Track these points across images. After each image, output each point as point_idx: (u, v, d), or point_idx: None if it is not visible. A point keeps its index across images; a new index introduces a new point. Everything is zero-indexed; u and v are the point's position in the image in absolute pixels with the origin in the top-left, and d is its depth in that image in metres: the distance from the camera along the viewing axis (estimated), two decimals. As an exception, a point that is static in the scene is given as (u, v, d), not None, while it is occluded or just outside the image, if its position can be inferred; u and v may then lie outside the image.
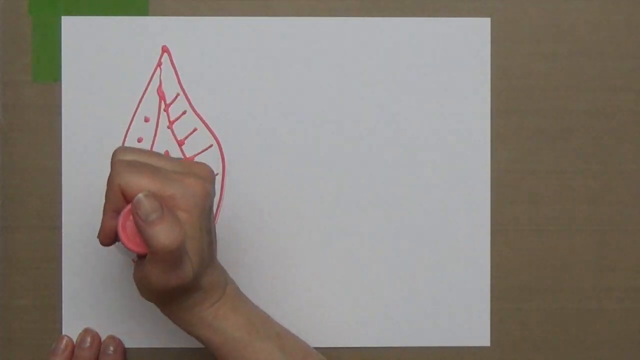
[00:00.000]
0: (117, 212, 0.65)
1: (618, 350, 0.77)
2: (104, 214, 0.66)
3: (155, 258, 0.63)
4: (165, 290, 0.65)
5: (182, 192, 0.64)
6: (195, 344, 0.76)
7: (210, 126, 0.76)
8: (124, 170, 0.64)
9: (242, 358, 0.67)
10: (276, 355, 0.68)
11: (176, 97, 0.76)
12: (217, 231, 0.77)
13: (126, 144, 0.76)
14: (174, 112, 0.76)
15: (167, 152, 0.76)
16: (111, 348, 0.76)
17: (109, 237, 0.66)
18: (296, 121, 0.76)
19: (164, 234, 0.63)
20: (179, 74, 0.76)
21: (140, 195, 0.63)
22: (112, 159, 0.66)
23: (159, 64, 0.76)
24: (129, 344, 0.77)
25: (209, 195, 0.66)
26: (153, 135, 0.76)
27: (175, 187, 0.64)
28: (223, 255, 0.76)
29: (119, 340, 0.76)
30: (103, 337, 0.76)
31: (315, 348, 0.76)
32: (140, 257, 0.66)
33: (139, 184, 0.64)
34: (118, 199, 0.64)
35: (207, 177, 0.66)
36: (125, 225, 0.65)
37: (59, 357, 0.75)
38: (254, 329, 0.68)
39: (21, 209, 0.76)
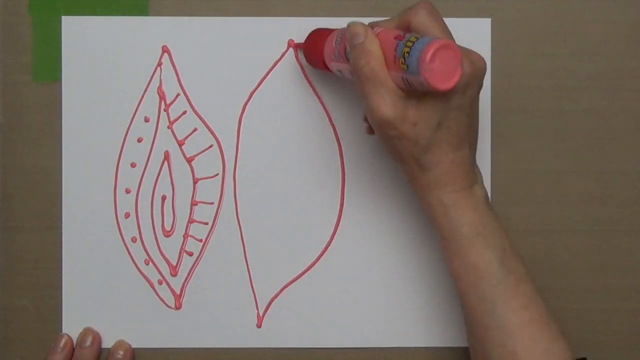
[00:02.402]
0: (391, 33, 0.66)
1: (618, 350, 0.77)
2: (383, 23, 0.69)
3: (355, 78, 0.66)
4: (373, 120, 0.65)
5: (464, 50, 0.65)
6: (195, 344, 0.76)
7: (210, 126, 0.76)
8: (424, 11, 0.67)
9: (463, 255, 0.67)
10: (494, 265, 0.66)
11: (176, 97, 0.76)
12: (216, 231, 0.77)
13: (126, 144, 0.76)
14: (174, 112, 0.76)
15: (167, 152, 0.76)
16: (120, 352, 0.76)
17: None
18: (295, 121, 0.77)
19: (355, 58, 0.66)
20: (179, 74, 0.76)
21: (354, 22, 0.67)
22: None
23: (159, 64, 0.76)
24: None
25: (485, 71, 0.67)
26: (153, 135, 0.76)
27: (460, 47, 0.65)
28: (224, 253, 0.77)
29: (129, 345, 0.76)
30: (103, 337, 0.76)
31: (316, 348, 0.77)
32: None
33: (427, 22, 0.66)
34: (402, 22, 0.67)
35: (484, 60, 0.67)
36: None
37: (58, 356, 0.75)
38: (483, 232, 0.67)
39: (21, 209, 0.76)
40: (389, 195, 0.76)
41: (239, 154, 0.76)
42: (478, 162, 0.76)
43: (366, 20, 0.76)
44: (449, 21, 0.75)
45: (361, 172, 0.77)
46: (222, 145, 0.77)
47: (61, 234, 0.76)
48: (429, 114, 0.65)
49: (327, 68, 0.72)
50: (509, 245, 0.68)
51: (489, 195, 0.76)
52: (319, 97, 0.77)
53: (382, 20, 0.69)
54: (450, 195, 0.67)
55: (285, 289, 0.77)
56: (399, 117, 0.64)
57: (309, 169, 0.77)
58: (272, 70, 0.76)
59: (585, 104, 0.77)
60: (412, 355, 0.77)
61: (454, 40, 0.66)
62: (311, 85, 0.76)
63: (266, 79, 0.76)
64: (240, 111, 0.76)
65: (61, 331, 0.76)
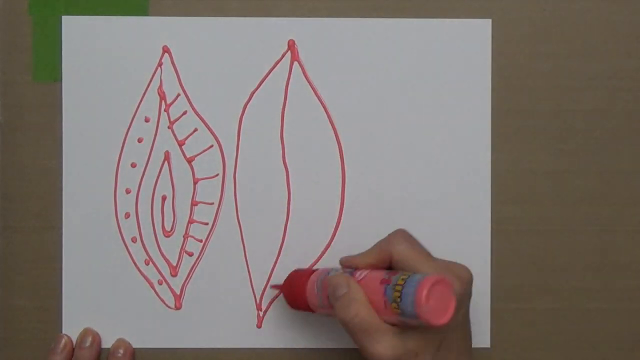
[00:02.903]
0: (371, 267, 0.68)
1: (618, 350, 0.77)
2: (361, 259, 0.69)
3: (346, 329, 0.67)
4: None
5: (449, 271, 0.66)
6: (195, 344, 0.76)
7: (211, 126, 0.76)
8: (403, 240, 0.68)
9: None
10: None
11: (177, 97, 0.76)
12: (216, 231, 0.77)
13: (126, 144, 0.76)
14: (175, 112, 0.76)
15: (167, 152, 0.76)
16: (120, 351, 0.76)
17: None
18: (296, 121, 0.77)
19: (341, 310, 0.66)
20: (179, 74, 0.76)
21: (334, 272, 0.69)
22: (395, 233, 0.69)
23: (160, 64, 0.76)
24: (129, 344, 0.77)
25: (472, 281, 0.68)
26: (153, 135, 0.76)
27: (442, 265, 0.67)
28: (224, 253, 0.77)
29: (129, 343, 0.76)
30: (103, 337, 0.76)
31: (316, 348, 0.77)
32: None
33: (409, 254, 0.67)
34: (383, 259, 0.68)
35: (469, 271, 0.68)
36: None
37: (57, 356, 0.75)
38: None
39: (21, 209, 0.76)
40: (388, 195, 0.76)
41: (239, 154, 0.76)
42: (478, 162, 0.76)
43: (367, 21, 0.76)
44: (449, 22, 0.75)
45: (361, 172, 0.77)
46: (223, 146, 0.77)
47: (61, 234, 0.76)
48: (430, 341, 0.65)
49: (311, 310, 0.72)
50: None
51: (489, 195, 0.76)
52: (319, 97, 0.77)
53: (358, 255, 0.70)
54: None
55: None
56: (399, 354, 0.65)
57: (309, 169, 0.77)
58: (272, 70, 0.76)
59: (585, 104, 0.77)
60: (412, 355, 0.77)
61: (438, 263, 0.67)
62: (311, 85, 0.76)
63: (266, 79, 0.76)
64: (241, 111, 0.76)
65: (61, 331, 0.76)
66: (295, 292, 0.73)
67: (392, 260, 0.68)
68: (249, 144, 0.77)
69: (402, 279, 0.64)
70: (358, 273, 0.68)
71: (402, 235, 0.69)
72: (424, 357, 0.66)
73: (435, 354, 0.66)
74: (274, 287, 0.76)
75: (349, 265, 0.70)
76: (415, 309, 0.62)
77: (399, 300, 0.63)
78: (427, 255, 0.68)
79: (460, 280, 0.66)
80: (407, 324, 0.64)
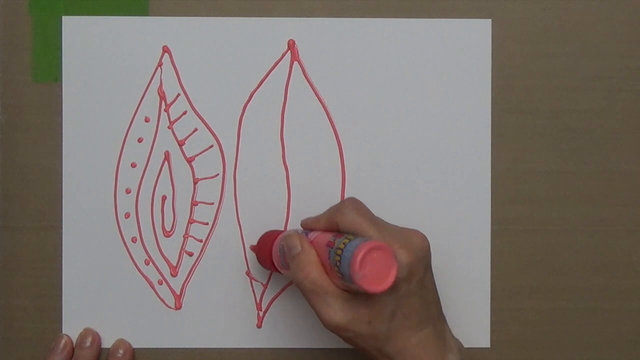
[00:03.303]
0: (318, 230, 0.68)
1: (618, 350, 0.77)
2: (313, 222, 0.69)
3: (299, 290, 0.67)
4: (328, 328, 0.65)
5: (398, 238, 0.66)
6: (195, 344, 0.76)
7: (211, 126, 0.76)
8: (351, 208, 0.67)
9: None
10: None
11: (177, 97, 0.76)
12: (216, 231, 0.77)
13: (126, 144, 0.76)
14: (175, 112, 0.76)
15: (167, 152, 0.76)
16: (120, 351, 0.76)
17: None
18: (295, 121, 0.77)
19: (294, 271, 0.66)
20: (179, 74, 0.76)
21: (291, 231, 0.69)
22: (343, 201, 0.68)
23: (160, 64, 0.76)
24: (129, 344, 0.77)
25: (428, 248, 0.67)
26: (153, 135, 0.76)
27: (392, 232, 0.66)
28: (224, 253, 0.77)
29: (129, 343, 0.76)
30: (103, 337, 0.76)
31: (316, 348, 0.77)
32: None
33: (355, 221, 0.66)
34: (330, 224, 0.68)
35: (424, 239, 0.67)
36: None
37: (57, 356, 0.75)
38: None
39: (21, 209, 0.76)
40: (388, 195, 0.76)
41: (239, 154, 0.76)
42: (478, 162, 0.76)
43: (367, 21, 0.76)
44: (449, 22, 0.75)
45: (361, 172, 0.77)
46: (223, 146, 0.77)
47: (61, 234, 0.76)
48: (381, 308, 0.65)
49: (278, 271, 0.73)
50: None
51: (489, 195, 0.76)
52: (319, 97, 0.77)
53: (313, 217, 0.70)
54: None
55: (286, 289, 0.77)
56: (350, 320, 0.64)
57: (309, 169, 0.77)
58: (272, 71, 0.76)
59: (585, 104, 0.77)
60: (412, 355, 0.77)
61: (389, 230, 0.66)
62: (311, 85, 0.76)
63: (266, 79, 0.76)
64: (241, 111, 0.76)
65: (61, 331, 0.76)
66: (264, 251, 0.73)
67: (339, 228, 0.67)
68: (249, 144, 0.77)
69: (344, 243, 0.63)
70: (311, 234, 0.68)
71: (350, 203, 0.67)
72: (378, 325, 0.65)
73: (390, 321, 0.65)
74: (251, 247, 0.76)
75: (306, 227, 0.70)
76: (351, 274, 0.61)
77: (339, 264, 0.63)
78: (376, 222, 0.66)
79: (409, 248, 0.65)
80: (352, 289, 0.64)
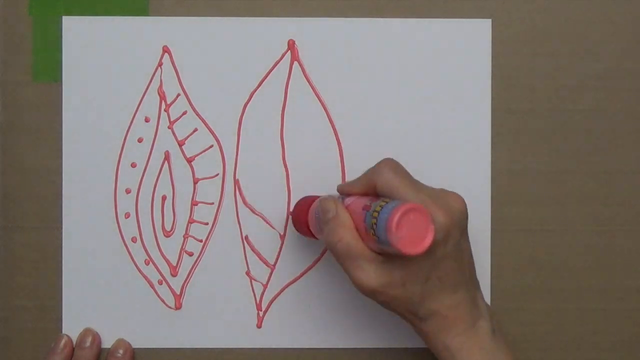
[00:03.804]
0: (355, 194, 0.68)
1: (618, 350, 0.77)
2: (350, 186, 0.69)
3: (333, 254, 0.66)
4: (359, 291, 0.65)
5: (436, 199, 0.65)
6: (195, 344, 0.76)
7: (211, 126, 0.76)
8: (388, 169, 0.66)
9: None
10: None
11: (177, 97, 0.76)
12: (216, 231, 0.77)
13: (126, 144, 0.76)
14: (175, 112, 0.76)
15: (167, 152, 0.76)
16: (120, 351, 0.76)
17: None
18: (295, 121, 0.77)
19: (328, 234, 0.66)
20: (179, 74, 0.76)
21: (327, 195, 0.69)
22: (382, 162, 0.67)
23: (160, 64, 0.76)
24: (129, 344, 0.77)
25: (466, 210, 0.66)
26: (153, 135, 0.76)
27: (430, 194, 0.65)
28: (224, 253, 0.76)
29: (129, 343, 0.76)
30: (103, 337, 0.76)
31: (316, 348, 0.77)
32: None
33: (393, 182, 0.65)
34: (370, 188, 0.67)
35: (462, 201, 0.66)
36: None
37: (57, 356, 0.75)
38: None
39: (21, 209, 0.76)
40: (389, 195, 0.76)
41: (239, 154, 0.76)
42: (478, 162, 0.76)
43: (367, 21, 0.76)
44: (450, 22, 0.75)
45: (361, 172, 0.77)
46: (223, 146, 0.77)
47: (61, 234, 0.76)
48: (415, 271, 0.64)
49: (316, 237, 0.72)
50: None
51: (489, 195, 0.76)
52: (319, 97, 0.77)
53: (349, 182, 0.69)
54: (455, 340, 0.66)
55: (285, 289, 0.77)
56: (385, 283, 0.64)
57: (309, 169, 0.77)
58: (272, 71, 0.76)
59: (585, 104, 0.77)
60: (412, 355, 0.77)
61: (427, 191, 0.65)
62: (311, 85, 0.76)
63: (266, 79, 0.76)
64: (241, 111, 0.76)
65: (61, 331, 0.76)
66: (301, 216, 0.73)
67: (377, 189, 0.66)
68: (249, 144, 0.77)
69: (380, 206, 0.63)
70: (347, 199, 0.68)
71: (388, 164, 0.67)
72: (412, 288, 0.65)
73: (425, 284, 0.65)
74: (290, 213, 0.76)
75: (342, 193, 0.70)
76: (387, 236, 0.61)
77: (375, 227, 0.62)
78: (414, 183, 0.66)
79: (446, 210, 0.64)
80: (387, 252, 0.63)
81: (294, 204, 0.75)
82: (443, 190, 0.67)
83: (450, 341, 0.66)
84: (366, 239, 0.64)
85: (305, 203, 0.73)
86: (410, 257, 0.62)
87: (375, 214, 0.62)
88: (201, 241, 0.77)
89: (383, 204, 0.63)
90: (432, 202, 0.64)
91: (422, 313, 0.66)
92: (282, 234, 0.77)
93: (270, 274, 0.77)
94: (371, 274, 0.64)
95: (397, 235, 0.61)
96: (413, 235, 0.61)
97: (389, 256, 0.64)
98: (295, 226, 0.74)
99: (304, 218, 0.72)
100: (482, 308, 0.68)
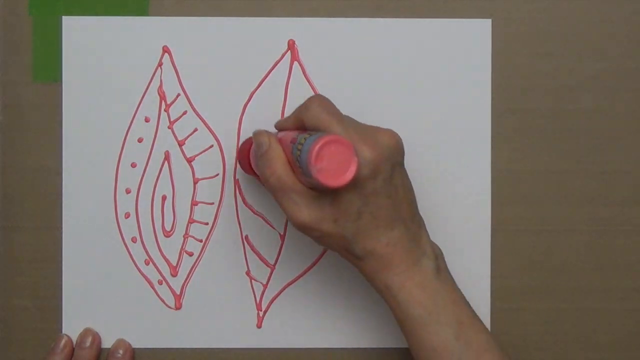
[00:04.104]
0: (286, 129, 0.68)
1: (618, 350, 0.77)
2: (281, 122, 0.69)
3: (266, 188, 0.67)
4: (294, 226, 0.65)
5: (364, 134, 0.64)
6: (195, 344, 0.76)
7: (211, 126, 0.76)
8: (316, 105, 0.66)
9: (417, 336, 0.66)
10: (450, 342, 0.66)
11: (177, 97, 0.76)
12: (216, 231, 0.77)
13: (126, 144, 0.76)
14: (175, 112, 0.76)
15: (167, 152, 0.76)
16: (120, 351, 0.76)
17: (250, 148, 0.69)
18: (296, 121, 0.77)
19: (261, 168, 0.66)
20: (179, 74, 0.76)
21: (261, 129, 0.68)
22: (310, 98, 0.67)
23: (160, 64, 0.76)
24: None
25: (398, 146, 0.66)
26: (153, 135, 0.76)
27: (358, 130, 0.65)
28: (224, 253, 0.77)
29: (129, 344, 0.76)
30: (103, 337, 0.76)
31: (315, 348, 0.77)
32: None
33: (319, 117, 0.65)
34: (298, 122, 0.67)
35: (393, 136, 0.66)
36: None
37: (57, 356, 0.75)
38: (435, 310, 0.66)
39: (21, 209, 0.76)
40: (389, 195, 0.76)
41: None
42: (478, 162, 0.76)
43: (367, 21, 0.76)
44: (450, 22, 0.75)
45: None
46: (223, 146, 0.77)
47: (61, 234, 0.76)
48: (346, 207, 0.64)
49: (257, 176, 0.72)
50: (466, 317, 0.67)
51: (489, 195, 0.76)
52: (319, 97, 0.77)
53: (282, 120, 0.70)
54: (395, 279, 0.66)
55: (285, 289, 0.77)
56: (316, 218, 0.64)
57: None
58: (272, 71, 0.76)
59: (585, 104, 0.77)
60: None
61: (354, 127, 0.65)
62: (311, 85, 0.76)
63: (266, 79, 0.76)
64: (241, 111, 0.76)
65: (61, 331, 0.76)
66: (243, 155, 0.73)
67: (305, 125, 0.66)
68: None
69: (305, 138, 0.62)
70: (280, 133, 0.68)
71: (316, 100, 0.66)
72: (344, 224, 0.64)
73: (357, 220, 0.64)
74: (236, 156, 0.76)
75: (278, 129, 0.70)
76: (308, 168, 0.61)
77: (299, 158, 0.62)
78: (342, 119, 0.65)
79: (374, 145, 0.64)
80: (314, 186, 0.63)
81: (240, 145, 0.75)
82: (374, 127, 0.66)
83: (391, 280, 0.66)
84: (297, 171, 0.64)
85: (248, 142, 0.73)
86: (334, 190, 0.62)
87: (300, 146, 0.62)
88: (201, 241, 0.77)
89: (307, 136, 0.62)
90: (359, 137, 0.64)
91: (359, 251, 0.65)
92: (282, 234, 0.77)
93: (270, 274, 0.77)
94: (303, 208, 0.64)
95: (316, 167, 0.60)
96: (335, 167, 0.60)
97: (321, 192, 0.64)
98: (241, 167, 0.74)
99: (246, 157, 0.72)
100: (426, 247, 0.67)
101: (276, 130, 0.71)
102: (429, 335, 0.66)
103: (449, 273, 0.68)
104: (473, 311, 0.68)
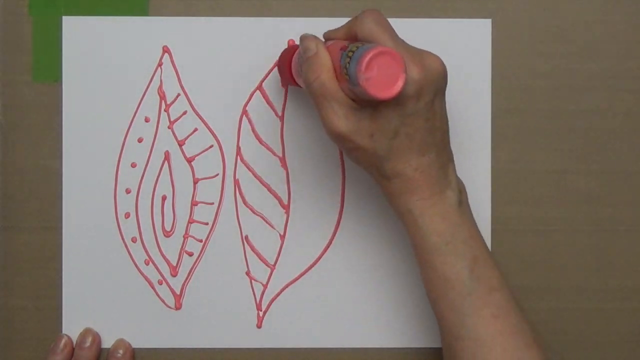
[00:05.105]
0: (335, 39, 0.68)
1: (618, 350, 0.77)
2: (332, 32, 0.69)
3: (308, 92, 0.66)
4: (329, 134, 0.65)
5: (414, 55, 0.64)
6: (195, 344, 0.76)
7: (211, 126, 0.76)
8: (371, 19, 0.65)
9: (432, 265, 0.66)
10: (464, 275, 0.66)
11: (177, 97, 0.76)
12: (216, 231, 0.77)
13: (126, 144, 0.76)
14: (175, 112, 0.76)
15: (167, 152, 0.76)
16: (120, 351, 0.76)
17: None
18: (296, 121, 0.77)
19: (306, 72, 0.65)
20: (179, 74, 0.76)
21: (308, 34, 0.67)
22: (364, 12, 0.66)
23: (160, 64, 0.76)
24: (129, 344, 0.77)
25: (444, 73, 0.65)
26: (153, 135, 0.76)
27: (409, 48, 0.64)
28: (224, 253, 0.76)
29: (129, 344, 0.76)
30: (103, 337, 0.76)
31: (316, 348, 0.77)
32: None
33: (373, 31, 0.64)
34: (349, 34, 0.66)
35: (441, 63, 0.65)
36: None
37: (58, 356, 0.75)
38: (453, 242, 0.66)
39: (21, 209, 0.76)
40: (389, 195, 0.76)
41: (239, 154, 0.76)
42: (478, 162, 0.76)
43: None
44: (450, 22, 0.75)
45: (361, 172, 0.77)
46: (223, 146, 0.77)
47: (61, 234, 0.76)
48: (384, 123, 0.64)
49: (298, 85, 0.72)
50: (481, 253, 0.67)
51: (489, 195, 0.76)
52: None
53: (334, 29, 0.69)
54: (418, 204, 0.66)
55: (285, 289, 0.77)
56: (353, 130, 0.64)
57: (309, 169, 0.77)
58: (272, 71, 0.76)
59: (585, 104, 0.77)
60: (412, 355, 0.77)
61: (405, 47, 0.65)
62: (311, 85, 0.76)
63: (266, 79, 0.76)
64: (241, 111, 0.76)
65: (61, 331, 0.76)
66: (284, 65, 0.72)
67: (358, 38, 0.66)
68: (249, 144, 0.77)
69: (356, 46, 0.62)
70: (328, 42, 0.67)
71: (371, 14, 0.66)
72: (379, 140, 0.64)
73: (392, 139, 0.64)
74: (276, 64, 0.76)
75: (327, 38, 0.69)
76: (357, 76, 0.60)
77: (348, 66, 0.62)
78: (395, 36, 0.65)
79: (422, 67, 0.63)
80: (357, 95, 0.62)
81: (279, 56, 0.74)
82: (424, 50, 0.66)
83: (413, 204, 0.66)
84: (342, 81, 0.63)
85: (289, 51, 0.72)
86: (375, 103, 0.62)
87: (350, 54, 0.62)
88: (201, 241, 0.77)
89: (360, 45, 0.62)
90: (410, 56, 0.63)
91: (388, 170, 0.65)
92: (282, 234, 0.77)
93: (270, 274, 0.77)
94: (341, 117, 0.64)
95: (365, 75, 0.60)
96: (383, 80, 0.60)
97: (362, 105, 0.64)
98: (280, 75, 0.74)
99: (288, 63, 0.72)
100: (452, 179, 0.67)
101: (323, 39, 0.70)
102: (443, 265, 0.66)
103: (469, 208, 0.68)
104: (488, 249, 0.68)
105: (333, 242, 0.77)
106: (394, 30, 0.65)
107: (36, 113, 0.76)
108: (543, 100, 0.77)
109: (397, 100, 0.62)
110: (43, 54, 0.76)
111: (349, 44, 0.64)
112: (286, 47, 0.75)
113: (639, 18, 0.77)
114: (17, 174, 0.76)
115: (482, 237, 0.68)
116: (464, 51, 0.76)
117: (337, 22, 0.75)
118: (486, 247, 0.67)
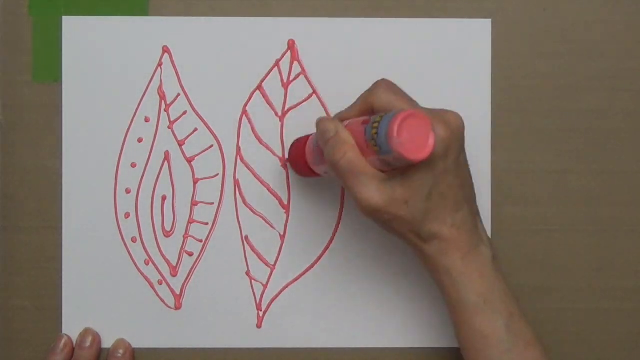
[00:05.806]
0: (350, 118, 0.68)
1: (618, 350, 0.77)
2: (347, 112, 0.69)
3: (335, 174, 0.66)
4: (362, 211, 0.65)
5: (435, 113, 0.64)
6: (195, 344, 0.76)
7: (211, 126, 0.76)
8: (385, 89, 0.66)
9: (471, 322, 0.66)
10: (501, 331, 0.66)
11: (177, 97, 0.76)
12: (216, 231, 0.77)
13: (126, 144, 0.76)
14: (175, 112, 0.76)
15: (167, 152, 0.76)
16: (120, 351, 0.76)
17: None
18: (296, 121, 0.77)
19: (330, 152, 0.65)
20: (179, 74, 0.76)
21: (321, 117, 0.68)
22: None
23: (160, 64, 0.76)
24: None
25: (463, 128, 0.66)
26: (153, 135, 0.76)
27: (427, 110, 0.65)
28: (224, 253, 0.77)
29: (129, 343, 0.76)
30: (103, 337, 0.76)
31: (316, 348, 0.77)
32: None
33: (390, 99, 0.66)
34: (364, 110, 0.67)
35: (460, 117, 0.66)
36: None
37: (58, 356, 0.75)
38: (491, 299, 0.66)
39: (21, 209, 0.76)
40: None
41: (239, 154, 0.76)
42: (478, 162, 0.76)
43: (367, 21, 0.76)
44: (450, 22, 0.75)
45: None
46: (222, 146, 0.77)
47: (61, 234, 0.76)
48: (417, 187, 0.64)
49: (315, 174, 0.72)
50: (516, 308, 0.67)
51: (489, 195, 0.76)
52: (319, 98, 0.77)
53: (344, 110, 0.69)
54: (457, 263, 0.66)
55: (285, 289, 0.77)
56: (388, 201, 0.64)
57: (309, 169, 0.77)
58: (272, 71, 0.76)
59: (585, 104, 0.77)
60: (413, 355, 0.77)
61: (425, 108, 0.65)
62: (311, 86, 0.77)
63: (266, 79, 0.76)
64: (241, 111, 0.76)
65: (61, 331, 0.76)
66: (297, 153, 0.73)
67: (374, 110, 0.66)
68: (249, 144, 0.77)
69: (380, 117, 0.62)
70: (345, 122, 0.67)
71: (384, 83, 0.67)
72: (415, 205, 0.64)
73: (427, 201, 0.64)
74: (285, 160, 0.76)
75: (340, 120, 0.69)
76: (389, 143, 0.61)
77: (376, 137, 0.62)
78: (411, 100, 0.66)
79: (446, 124, 0.64)
80: (388, 164, 0.63)
81: (289, 149, 0.74)
82: (442, 109, 0.66)
83: (452, 264, 0.66)
84: (368, 155, 0.64)
85: (299, 142, 0.73)
86: (412, 163, 0.62)
87: (376, 124, 0.62)
88: (201, 241, 0.77)
89: (383, 114, 0.63)
90: (432, 115, 0.64)
91: (425, 233, 0.65)
92: (282, 234, 0.77)
93: (270, 274, 0.77)
94: (374, 190, 0.64)
95: (399, 140, 0.60)
96: (415, 142, 0.61)
97: (391, 174, 0.64)
98: (293, 167, 0.74)
99: (301, 155, 0.72)
100: (483, 234, 0.68)
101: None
102: (481, 322, 0.66)
103: (500, 261, 0.69)
104: (519, 303, 0.68)
105: (333, 242, 0.77)
106: (408, 95, 0.67)
107: (36, 113, 0.76)
108: (543, 100, 0.77)
109: (427, 161, 0.63)
110: (43, 54, 0.76)
111: (370, 117, 0.64)
112: (293, 141, 0.74)
113: (639, 18, 0.77)
114: (17, 174, 0.76)
115: (512, 290, 0.68)
116: (464, 51, 0.76)
117: (337, 22, 0.76)
118: (518, 301, 0.68)
